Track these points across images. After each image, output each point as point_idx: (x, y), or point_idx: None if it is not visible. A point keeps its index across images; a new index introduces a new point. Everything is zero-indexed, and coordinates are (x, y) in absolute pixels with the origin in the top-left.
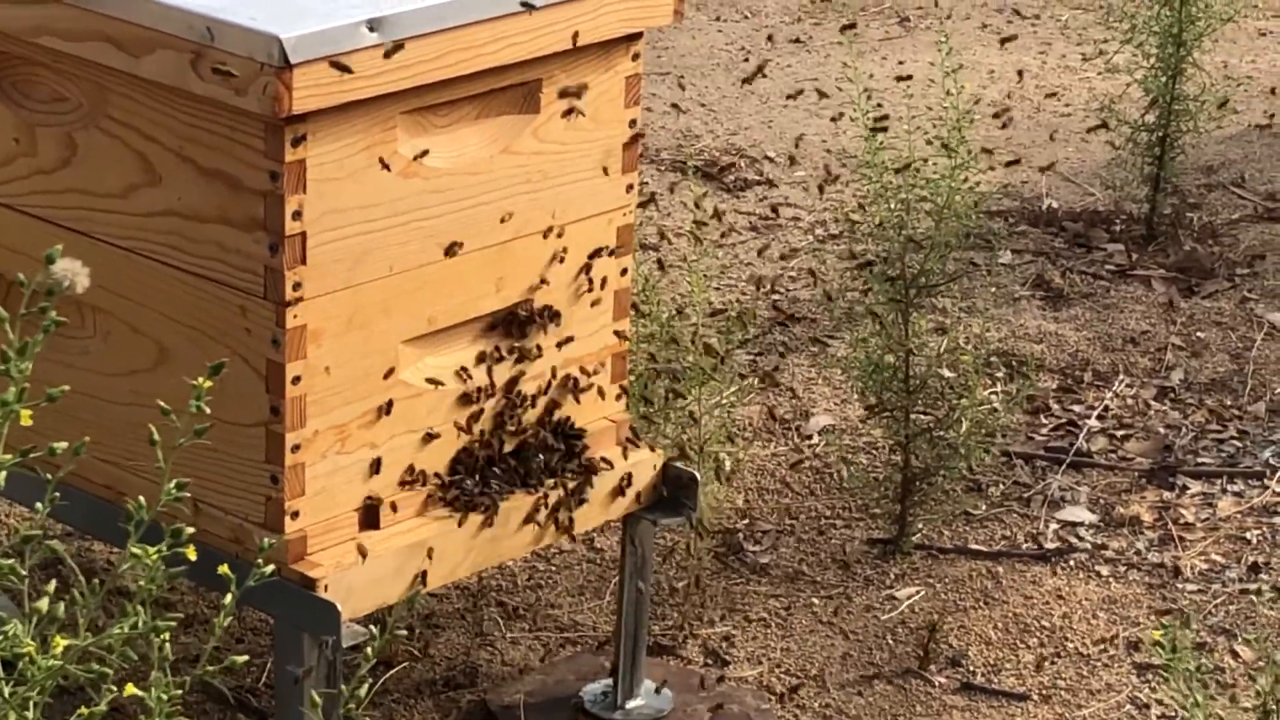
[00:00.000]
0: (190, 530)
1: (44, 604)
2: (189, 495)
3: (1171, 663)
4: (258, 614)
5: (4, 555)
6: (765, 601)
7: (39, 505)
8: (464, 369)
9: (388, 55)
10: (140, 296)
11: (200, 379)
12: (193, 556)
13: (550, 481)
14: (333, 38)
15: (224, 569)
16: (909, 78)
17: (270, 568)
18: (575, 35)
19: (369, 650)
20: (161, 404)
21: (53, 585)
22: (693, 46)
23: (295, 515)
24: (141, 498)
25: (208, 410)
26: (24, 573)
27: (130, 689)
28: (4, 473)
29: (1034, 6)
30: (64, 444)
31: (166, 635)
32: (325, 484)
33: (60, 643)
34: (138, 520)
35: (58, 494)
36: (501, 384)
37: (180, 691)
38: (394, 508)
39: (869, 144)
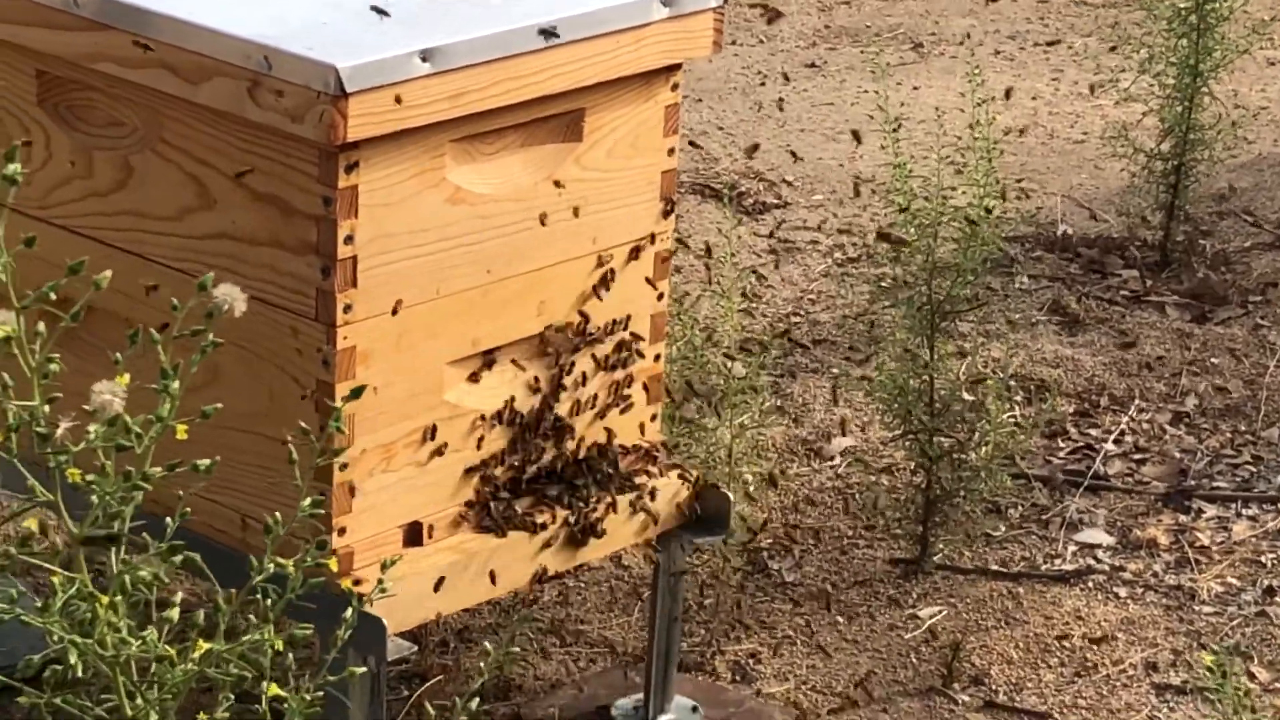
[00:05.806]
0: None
1: (174, 613)
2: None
3: (1220, 687)
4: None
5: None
6: (791, 619)
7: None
8: (506, 390)
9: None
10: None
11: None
12: (335, 567)
13: (588, 501)
14: (387, 68)
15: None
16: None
17: (392, 583)
18: (618, 66)
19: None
20: (303, 424)
21: (179, 596)
22: (709, 70)
23: (342, 531)
24: (278, 514)
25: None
26: (167, 581)
27: (274, 689)
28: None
29: (1047, 34)
30: (205, 461)
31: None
32: (371, 501)
33: (202, 646)
34: (275, 535)
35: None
36: (542, 405)
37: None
38: (437, 525)
39: (898, 171)
